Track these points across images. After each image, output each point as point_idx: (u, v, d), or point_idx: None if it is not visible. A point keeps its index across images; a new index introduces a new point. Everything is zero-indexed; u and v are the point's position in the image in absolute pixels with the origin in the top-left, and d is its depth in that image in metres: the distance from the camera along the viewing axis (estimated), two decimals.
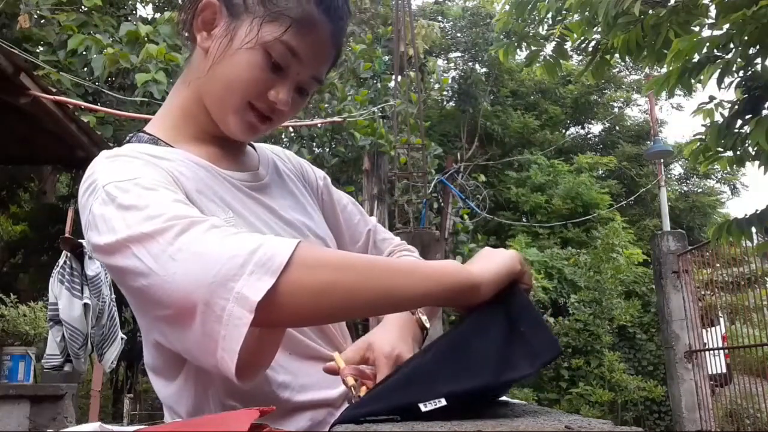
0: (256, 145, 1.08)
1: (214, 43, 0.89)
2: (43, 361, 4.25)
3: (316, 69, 0.92)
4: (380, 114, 7.90)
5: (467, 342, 0.72)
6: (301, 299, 0.67)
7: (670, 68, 3.41)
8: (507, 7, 4.15)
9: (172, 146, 0.92)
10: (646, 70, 9.23)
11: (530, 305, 0.76)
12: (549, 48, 4.19)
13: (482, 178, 11.21)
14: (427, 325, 0.93)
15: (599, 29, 3.80)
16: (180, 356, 0.79)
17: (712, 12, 3.36)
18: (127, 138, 0.96)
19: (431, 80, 11.68)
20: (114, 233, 0.73)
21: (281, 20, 0.86)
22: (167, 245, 0.69)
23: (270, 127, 0.94)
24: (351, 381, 0.77)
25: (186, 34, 0.95)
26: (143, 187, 0.76)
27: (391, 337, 0.86)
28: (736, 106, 3.48)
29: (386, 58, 10.03)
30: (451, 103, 17.09)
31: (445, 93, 15.65)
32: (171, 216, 0.71)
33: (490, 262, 0.77)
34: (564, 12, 4.03)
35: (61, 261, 4.25)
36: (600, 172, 16.30)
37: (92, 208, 0.78)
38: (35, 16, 6.18)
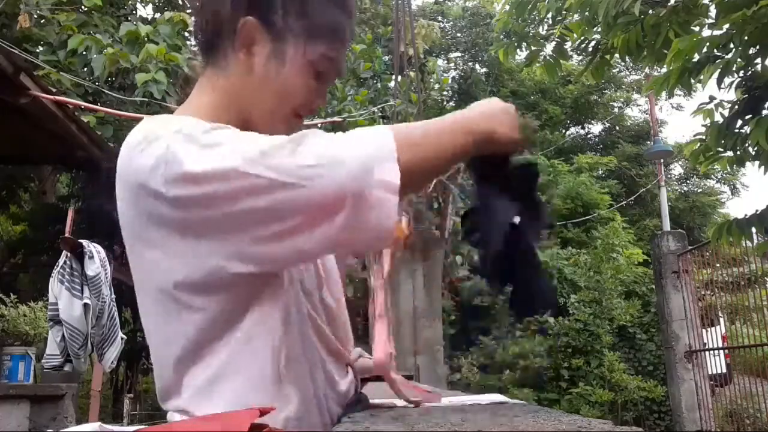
0: None
1: (263, 63, 0.89)
2: (43, 361, 4.24)
3: (343, 65, 0.98)
4: (380, 114, 7.89)
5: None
6: (409, 175, 0.75)
7: (670, 68, 3.41)
8: (507, 7, 4.16)
9: None
10: (646, 70, 9.22)
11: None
12: (549, 48, 4.19)
13: None
14: None
15: (599, 29, 3.80)
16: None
17: (712, 12, 3.36)
18: None
19: (431, 80, 11.68)
20: (222, 159, 0.73)
21: (321, 36, 0.90)
22: (290, 155, 0.72)
23: None
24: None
25: (212, 45, 0.94)
26: (223, 128, 0.78)
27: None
28: (736, 106, 3.48)
29: (386, 58, 10.03)
30: (451, 103, 17.10)
31: (445, 93, 15.68)
32: (273, 137, 0.75)
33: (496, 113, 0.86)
34: (564, 12, 4.03)
35: (61, 261, 4.24)
36: (600, 172, 16.32)
37: (169, 146, 0.75)
38: (35, 16, 6.17)
